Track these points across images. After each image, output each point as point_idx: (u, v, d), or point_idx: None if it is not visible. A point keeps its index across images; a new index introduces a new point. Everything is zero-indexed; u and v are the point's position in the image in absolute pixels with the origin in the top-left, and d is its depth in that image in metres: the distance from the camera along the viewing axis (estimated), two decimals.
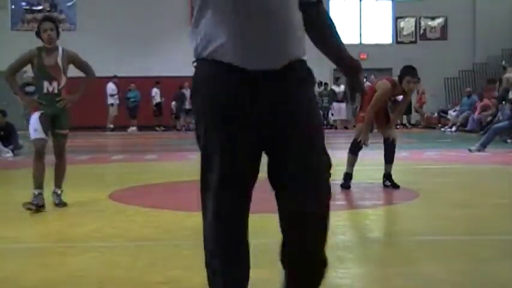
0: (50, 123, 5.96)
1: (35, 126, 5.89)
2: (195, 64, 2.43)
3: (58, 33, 6.05)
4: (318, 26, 2.48)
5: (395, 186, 7.16)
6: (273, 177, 2.36)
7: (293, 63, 2.33)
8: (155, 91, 23.81)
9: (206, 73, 2.36)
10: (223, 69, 2.29)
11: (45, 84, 5.93)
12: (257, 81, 2.28)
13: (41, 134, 5.87)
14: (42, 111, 5.91)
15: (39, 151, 5.87)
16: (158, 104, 23.91)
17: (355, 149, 7.21)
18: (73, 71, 6.17)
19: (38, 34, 6.01)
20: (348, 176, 7.15)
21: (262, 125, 2.30)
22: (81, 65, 6.19)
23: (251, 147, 2.33)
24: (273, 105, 2.30)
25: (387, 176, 7.26)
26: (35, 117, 5.93)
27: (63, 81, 6.01)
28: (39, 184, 5.82)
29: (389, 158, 7.28)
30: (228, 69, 2.28)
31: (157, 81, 23.68)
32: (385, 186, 7.23)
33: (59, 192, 6.10)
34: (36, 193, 5.78)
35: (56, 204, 6.05)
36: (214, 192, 2.36)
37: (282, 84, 2.31)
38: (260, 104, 2.29)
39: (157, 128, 23.33)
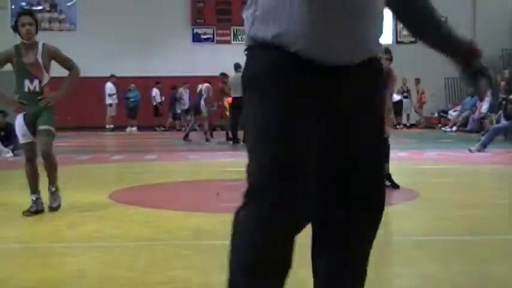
0: (33, 122, 5.71)
1: (22, 131, 5.74)
2: (246, 52, 2.05)
3: (37, 29, 5.78)
4: (417, 11, 2.16)
5: (395, 186, 7.16)
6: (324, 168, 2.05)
7: (369, 59, 2.05)
8: (155, 91, 23.76)
9: (266, 61, 1.98)
10: (288, 59, 1.94)
11: (26, 82, 5.67)
12: (330, 76, 1.97)
13: (28, 138, 5.73)
14: (24, 112, 5.71)
15: (29, 155, 5.76)
16: (159, 104, 23.83)
17: None
18: (61, 71, 6.03)
19: (15, 29, 5.76)
20: None
21: (330, 121, 2.01)
22: (64, 61, 5.89)
23: (319, 141, 2.00)
24: (342, 103, 2.01)
25: (387, 176, 7.23)
26: (19, 120, 5.75)
27: (46, 78, 5.72)
28: (34, 189, 5.75)
29: (384, 157, 7.24)
30: (295, 59, 1.94)
31: (157, 81, 23.65)
32: (384, 186, 7.20)
33: (53, 189, 5.89)
34: (34, 198, 5.72)
35: (50, 208, 5.82)
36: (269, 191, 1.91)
37: (355, 81, 2.01)
38: (329, 100, 1.99)
39: (157, 128, 23.31)
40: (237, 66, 15.55)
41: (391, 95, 7.50)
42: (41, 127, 5.70)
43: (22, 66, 5.71)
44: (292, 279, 3.37)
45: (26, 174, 5.78)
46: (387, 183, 7.18)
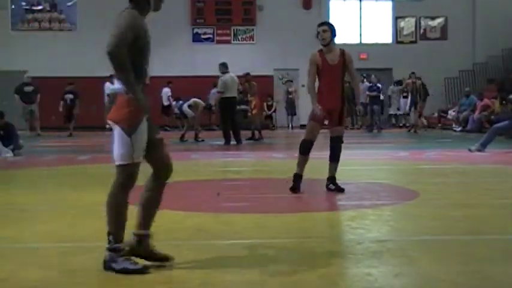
0: None
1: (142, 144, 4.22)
2: None
3: None
4: None
5: (339, 189, 6.81)
6: None
7: None
8: (166, 91, 23.53)
9: None
10: None
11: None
12: None
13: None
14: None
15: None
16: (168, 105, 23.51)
17: (303, 149, 6.73)
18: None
19: None
20: (297, 177, 6.62)
21: None
22: None
23: None
24: None
25: (333, 179, 6.82)
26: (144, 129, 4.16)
27: None
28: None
29: (334, 156, 6.82)
30: None
31: (169, 81, 23.54)
32: (328, 189, 6.83)
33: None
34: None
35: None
36: None
37: None
38: None
39: (168, 128, 23.22)
40: (224, 66, 15.37)
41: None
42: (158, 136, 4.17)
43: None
44: (292, 278, 3.37)
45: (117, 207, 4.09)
46: (331, 186, 6.82)
